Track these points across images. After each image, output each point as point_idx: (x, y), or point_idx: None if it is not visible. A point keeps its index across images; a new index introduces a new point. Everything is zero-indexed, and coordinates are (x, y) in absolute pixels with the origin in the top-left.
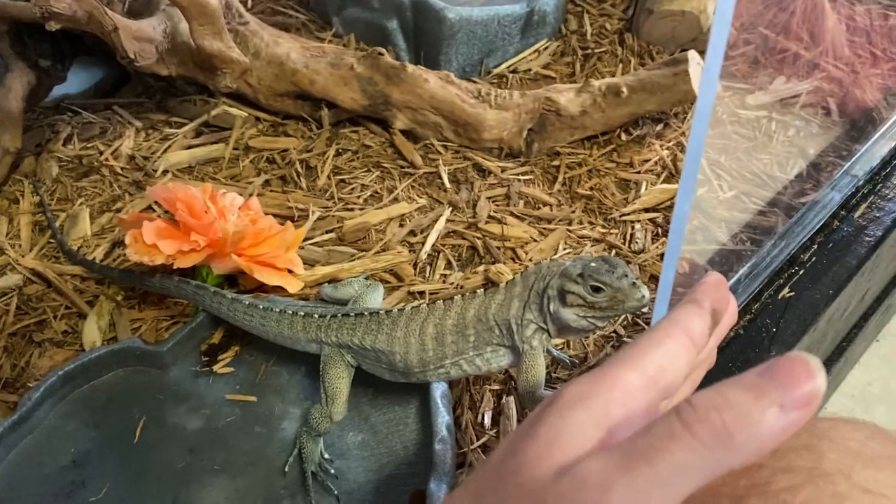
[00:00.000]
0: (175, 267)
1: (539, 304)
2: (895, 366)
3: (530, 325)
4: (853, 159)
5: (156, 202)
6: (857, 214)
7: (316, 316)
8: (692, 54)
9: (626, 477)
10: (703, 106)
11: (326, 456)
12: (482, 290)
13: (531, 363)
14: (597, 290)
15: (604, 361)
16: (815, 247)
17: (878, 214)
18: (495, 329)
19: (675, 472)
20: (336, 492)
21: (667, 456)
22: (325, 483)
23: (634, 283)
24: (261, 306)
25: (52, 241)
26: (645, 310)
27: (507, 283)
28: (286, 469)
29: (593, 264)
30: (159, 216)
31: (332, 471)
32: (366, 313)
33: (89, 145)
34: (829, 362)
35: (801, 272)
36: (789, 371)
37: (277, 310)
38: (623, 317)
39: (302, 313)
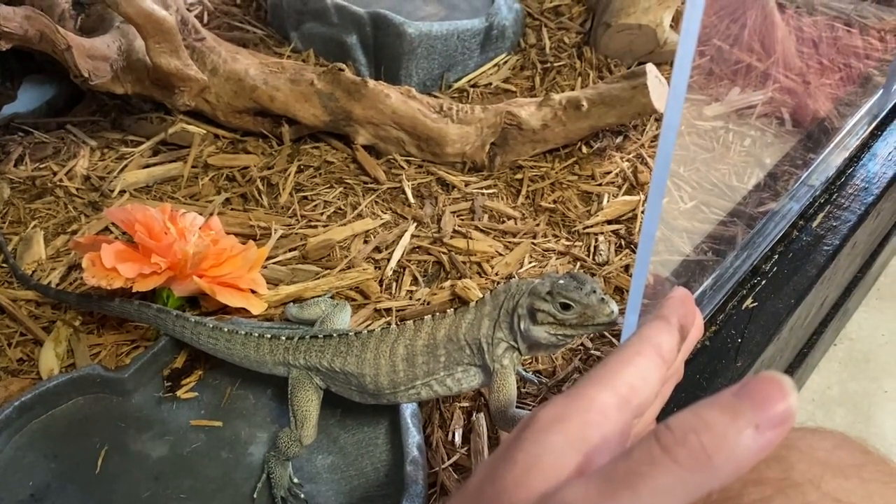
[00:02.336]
0: (134, 290)
1: (510, 323)
2: (852, 368)
3: (501, 344)
4: (810, 170)
5: (113, 223)
6: (814, 224)
7: (283, 338)
8: (650, 67)
9: (608, 502)
10: (669, 123)
11: (296, 480)
12: (452, 309)
13: (502, 382)
14: (566, 307)
15: (572, 375)
16: (776, 256)
17: (834, 223)
18: (466, 349)
19: (657, 496)
20: None
21: (648, 481)
22: None
23: (603, 299)
24: (225, 329)
25: (4, 265)
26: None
27: (476, 302)
28: (255, 495)
29: (561, 281)
30: (117, 238)
31: (303, 495)
32: (334, 335)
33: (42, 166)
34: (791, 369)
35: (764, 282)
36: (763, 391)
37: (243, 332)
38: None
39: (268, 336)
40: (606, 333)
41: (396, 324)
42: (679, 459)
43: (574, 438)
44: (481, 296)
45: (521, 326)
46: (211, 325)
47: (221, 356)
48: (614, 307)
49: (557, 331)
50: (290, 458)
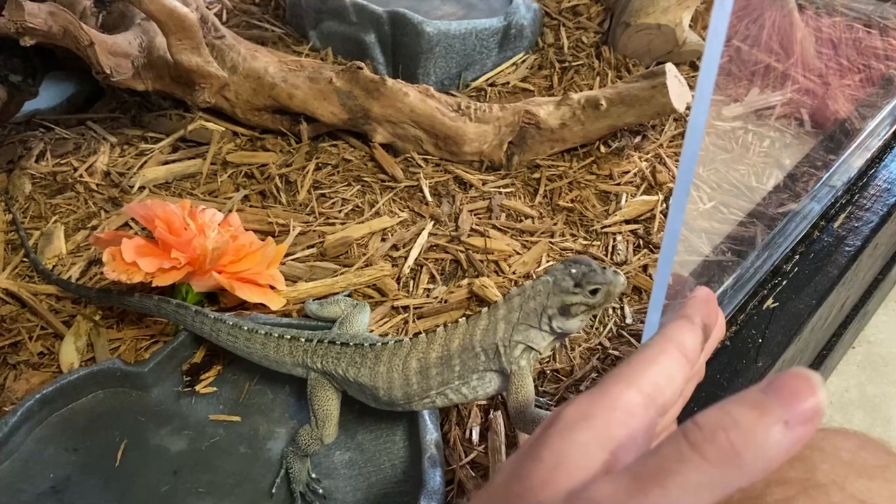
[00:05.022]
0: (154, 285)
1: (535, 325)
2: (871, 371)
3: (518, 346)
4: (831, 170)
5: (132, 219)
6: (836, 224)
7: (302, 340)
8: (669, 67)
9: (637, 499)
10: (695, 123)
11: (314, 475)
12: (463, 318)
13: (520, 383)
14: (595, 291)
15: (590, 374)
16: (797, 257)
17: (856, 224)
18: (481, 355)
19: (686, 493)
20: None
21: (677, 478)
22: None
23: (615, 271)
24: (245, 328)
25: (25, 259)
26: (629, 320)
27: (489, 308)
28: (273, 490)
29: (574, 270)
30: (136, 234)
31: (321, 490)
32: (350, 343)
33: (63, 161)
34: None
35: (785, 282)
36: (792, 387)
37: (263, 332)
38: (607, 329)
39: (288, 336)
40: (624, 333)
41: (413, 321)
42: (708, 456)
43: (601, 436)
44: (498, 295)
45: (554, 324)
46: (231, 323)
47: (240, 354)
48: (622, 275)
49: (587, 315)
50: (309, 455)
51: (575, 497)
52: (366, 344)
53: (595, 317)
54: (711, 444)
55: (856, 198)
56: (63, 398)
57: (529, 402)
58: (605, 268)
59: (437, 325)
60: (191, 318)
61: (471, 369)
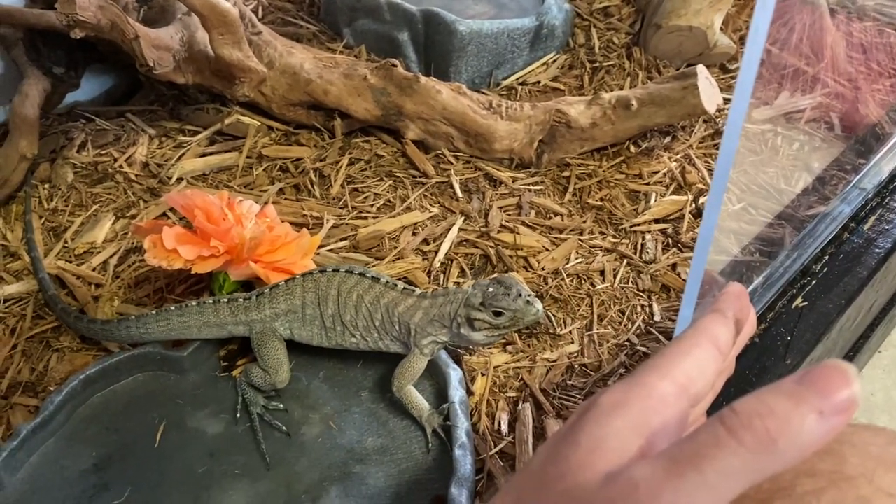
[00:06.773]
0: (193, 272)
1: (448, 326)
2: None
3: (428, 336)
4: (862, 173)
5: (171, 209)
6: (866, 226)
7: (241, 300)
8: (701, 68)
9: (674, 482)
10: (733, 123)
11: (272, 393)
12: (402, 285)
13: (414, 363)
14: (498, 314)
15: (618, 370)
16: (827, 258)
17: (886, 227)
18: (396, 325)
19: (722, 477)
20: (284, 428)
21: (713, 462)
22: (273, 423)
23: (528, 301)
24: (172, 308)
25: (66, 245)
26: (657, 318)
27: (421, 292)
28: (237, 416)
29: (490, 290)
30: (174, 223)
31: (282, 406)
32: (298, 277)
33: (103, 152)
34: None
35: (814, 282)
36: (827, 378)
37: (195, 303)
38: (636, 327)
39: (225, 300)
40: (653, 330)
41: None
42: (744, 442)
43: (636, 423)
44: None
45: (461, 332)
46: (154, 312)
47: (176, 335)
48: (539, 306)
49: (493, 333)
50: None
51: (613, 479)
52: (316, 272)
53: (502, 337)
54: (748, 429)
55: (886, 200)
56: (105, 379)
57: (410, 379)
58: (521, 294)
59: None
60: (115, 331)
61: (386, 331)
